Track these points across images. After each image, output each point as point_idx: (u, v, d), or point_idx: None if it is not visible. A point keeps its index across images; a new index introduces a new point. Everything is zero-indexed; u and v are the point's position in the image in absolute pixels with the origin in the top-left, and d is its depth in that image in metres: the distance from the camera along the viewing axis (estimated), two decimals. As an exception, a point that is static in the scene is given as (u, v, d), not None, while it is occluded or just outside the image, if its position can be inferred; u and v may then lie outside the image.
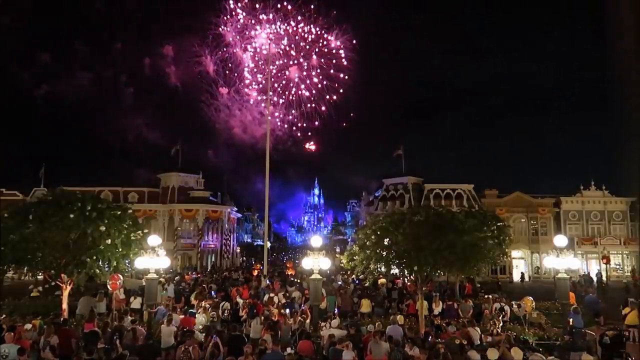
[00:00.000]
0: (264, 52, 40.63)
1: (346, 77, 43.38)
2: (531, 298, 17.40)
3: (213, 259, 50.09)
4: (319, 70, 43.19)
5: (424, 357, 9.78)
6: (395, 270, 17.44)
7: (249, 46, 42.97)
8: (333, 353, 11.09)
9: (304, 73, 43.20)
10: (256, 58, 43.11)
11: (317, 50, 42.86)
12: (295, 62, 42.67)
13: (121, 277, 18.90)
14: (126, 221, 16.33)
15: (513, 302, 17.97)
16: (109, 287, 18.56)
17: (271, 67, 37.31)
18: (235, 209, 60.58)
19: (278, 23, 41.84)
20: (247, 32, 42.21)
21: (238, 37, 42.45)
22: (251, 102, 45.03)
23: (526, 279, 42.86)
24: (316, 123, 44.21)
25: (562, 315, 16.36)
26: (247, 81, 43.99)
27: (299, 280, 25.80)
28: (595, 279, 35.85)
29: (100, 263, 15.58)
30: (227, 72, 44.24)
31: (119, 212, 16.30)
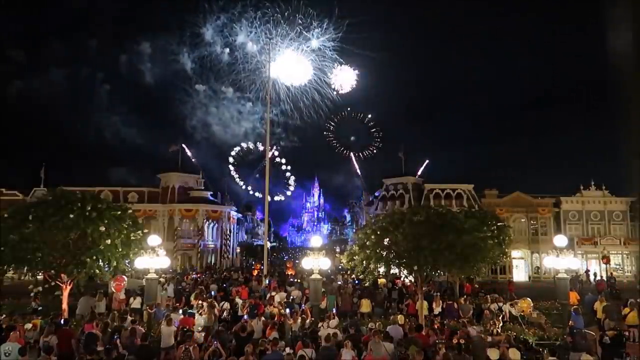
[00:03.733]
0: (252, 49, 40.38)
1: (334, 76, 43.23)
2: (529, 299, 17.39)
3: (213, 259, 50.09)
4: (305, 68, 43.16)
5: (419, 357, 9.75)
6: (395, 270, 17.45)
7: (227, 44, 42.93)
8: (323, 351, 11.09)
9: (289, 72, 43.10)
10: (236, 56, 43.10)
11: (301, 50, 42.85)
12: (274, 61, 42.42)
13: (125, 279, 18.90)
14: (126, 221, 16.34)
15: (516, 301, 17.95)
16: (112, 288, 18.53)
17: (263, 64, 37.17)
18: (235, 208, 60.56)
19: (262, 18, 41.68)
20: (226, 30, 42.32)
21: (217, 35, 42.52)
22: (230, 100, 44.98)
23: (525, 278, 42.96)
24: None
25: (562, 315, 16.36)
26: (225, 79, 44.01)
27: (299, 280, 25.80)
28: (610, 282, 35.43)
29: (100, 263, 15.58)
30: (205, 70, 44.44)
31: (119, 212, 16.31)
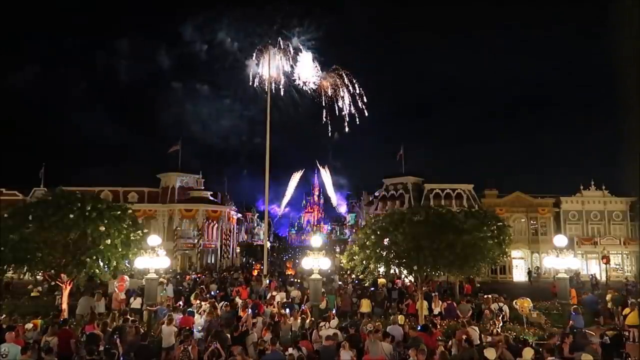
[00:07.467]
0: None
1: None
2: (528, 299, 17.38)
3: (213, 259, 50.05)
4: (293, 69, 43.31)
5: (422, 357, 9.73)
6: (395, 270, 17.42)
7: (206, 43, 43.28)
8: (323, 351, 11.09)
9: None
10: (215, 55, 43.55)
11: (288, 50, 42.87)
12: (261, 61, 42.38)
13: (128, 279, 18.86)
14: (126, 221, 16.32)
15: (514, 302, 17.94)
16: (115, 289, 18.48)
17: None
18: (235, 208, 60.49)
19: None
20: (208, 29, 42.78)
21: (199, 33, 42.95)
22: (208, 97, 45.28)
23: (524, 278, 42.93)
24: None
25: (562, 315, 16.35)
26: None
27: (299, 280, 25.79)
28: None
29: (100, 263, 15.57)
30: (185, 68, 44.77)
31: (119, 212, 16.29)
